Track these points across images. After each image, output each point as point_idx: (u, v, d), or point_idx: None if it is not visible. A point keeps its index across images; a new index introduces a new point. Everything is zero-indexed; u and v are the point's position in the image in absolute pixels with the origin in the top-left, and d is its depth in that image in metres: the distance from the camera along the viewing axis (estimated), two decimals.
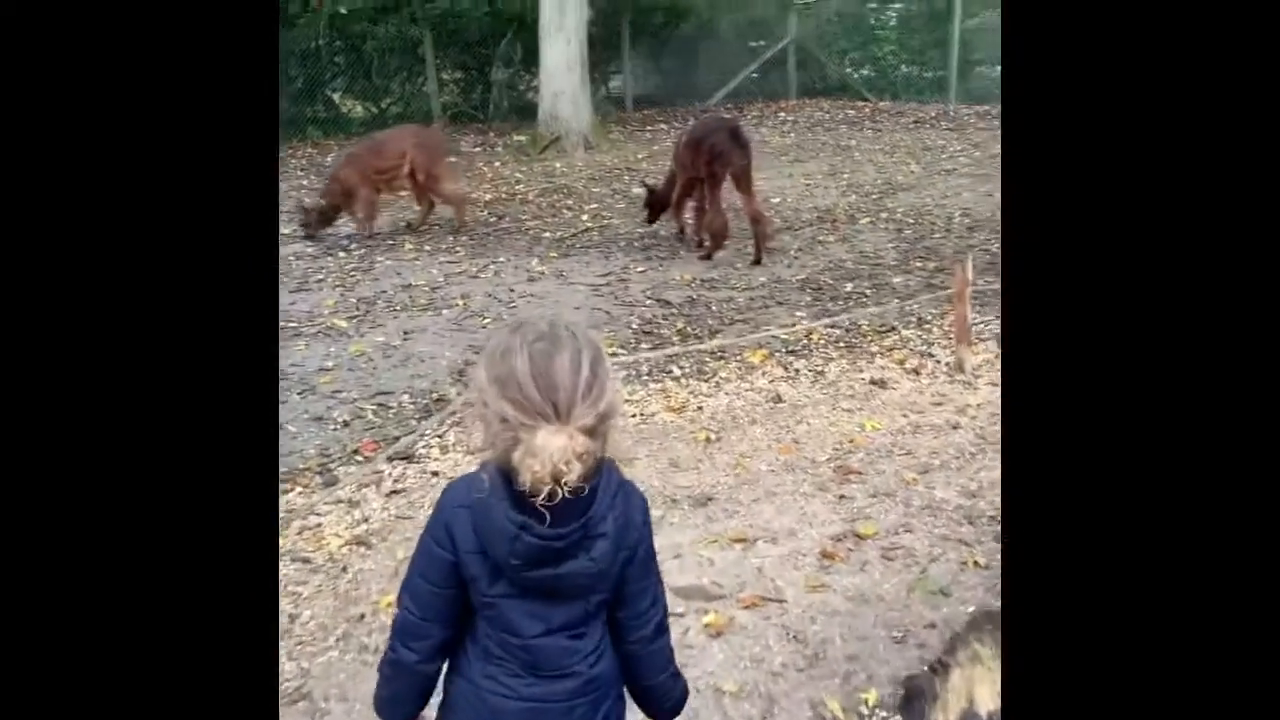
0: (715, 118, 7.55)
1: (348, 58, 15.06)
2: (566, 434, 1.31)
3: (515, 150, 12.01)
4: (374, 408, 4.51)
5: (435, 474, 3.79)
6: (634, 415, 4.24)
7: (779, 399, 4.27)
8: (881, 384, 4.38)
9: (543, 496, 1.32)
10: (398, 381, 4.83)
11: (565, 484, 1.31)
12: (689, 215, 7.39)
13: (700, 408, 4.27)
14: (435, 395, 4.63)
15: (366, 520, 3.47)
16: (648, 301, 5.99)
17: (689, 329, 5.42)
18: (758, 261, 6.71)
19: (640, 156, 11.42)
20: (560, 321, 1.44)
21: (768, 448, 3.81)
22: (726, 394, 4.42)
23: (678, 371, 4.78)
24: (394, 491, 3.67)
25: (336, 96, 15.51)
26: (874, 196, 8.52)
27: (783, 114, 15.16)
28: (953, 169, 9.46)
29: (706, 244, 7.13)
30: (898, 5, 18.87)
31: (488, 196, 9.48)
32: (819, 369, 4.64)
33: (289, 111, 14.46)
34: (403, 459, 3.99)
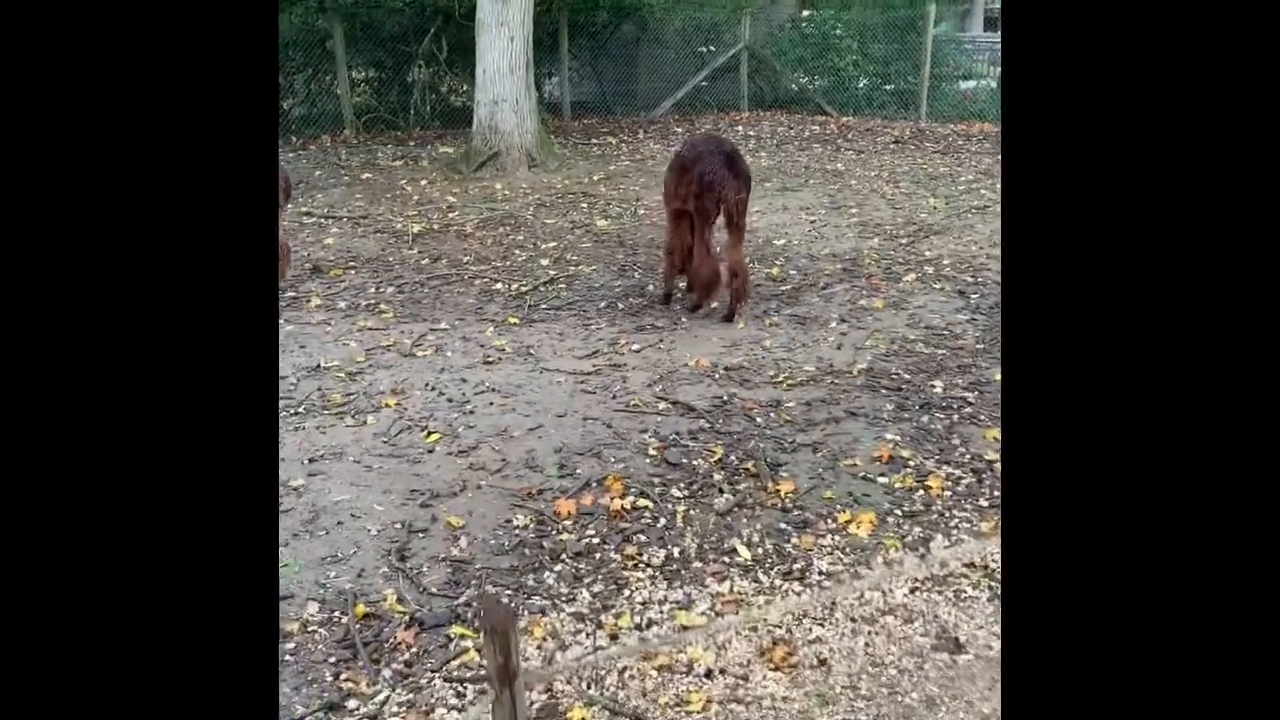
0: (707, 138, 5.89)
1: None
2: None
3: (444, 166, 10.14)
4: None
5: None
6: (706, 673, 2.50)
7: (955, 643, 2.57)
8: None
9: None
10: (304, 571, 3.00)
11: None
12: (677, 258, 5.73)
13: (821, 659, 2.54)
14: (363, 608, 2.82)
15: None
16: (661, 405, 4.26)
17: (735, 459, 3.71)
18: (729, 319, 5.38)
19: (595, 178, 9.67)
20: None
21: None
22: (850, 618, 2.71)
23: (745, 554, 3.06)
24: None
25: None
26: (903, 241, 6.93)
27: (739, 127, 13.58)
28: (984, 206, 7.93)
29: (695, 295, 5.56)
30: (855, 13, 17.52)
31: (416, 228, 7.61)
32: (979, 561, 2.97)
33: None
34: None
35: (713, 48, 15.98)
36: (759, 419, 4.08)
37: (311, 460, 3.76)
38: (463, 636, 2.68)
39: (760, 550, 3.09)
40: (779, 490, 3.45)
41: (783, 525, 3.24)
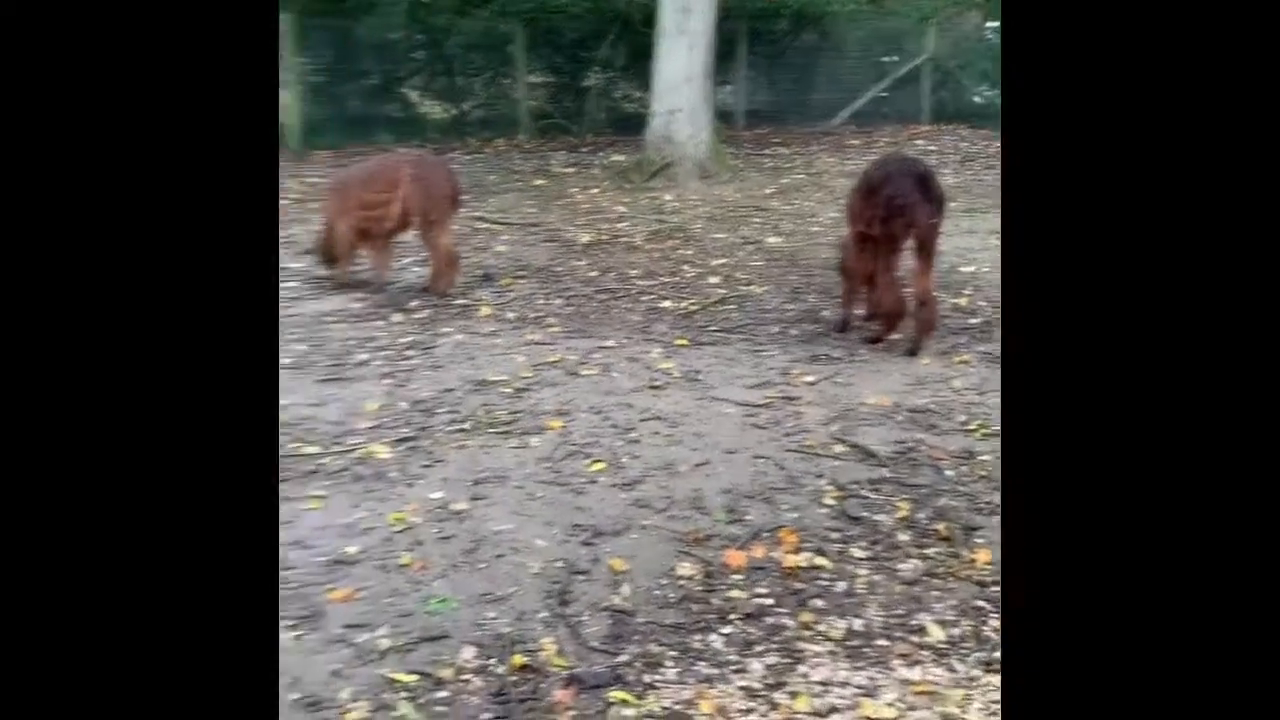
0: (898, 158, 5.55)
1: (429, 52, 13.26)
2: None
3: (615, 175, 10.06)
4: (413, 679, 2.55)
5: None
6: None
7: None
8: None
9: None
10: (462, 609, 2.87)
11: None
12: (861, 285, 5.38)
13: None
14: (521, 658, 2.65)
15: None
16: (837, 447, 3.95)
17: (924, 519, 3.38)
18: (913, 353, 5.00)
19: (767, 191, 9.39)
20: None
21: None
22: None
23: (937, 634, 2.74)
24: None
25: (414, 95, 13.75)
26: None
27: (919, 142, 13.00)
28: None
29: (876, 325, 5.23)
30: None
31: (585, 238, 7.52)
32: None
33: (359, 110, 12.76)
34: None
35: (895, 57, 15.41)
36: (949, 472, 3.72)
37: (475, 482, 3.65)
38: (624, 703, 2.48)
39: (955, 631, 2.76)
40: (974, 560, 3.10)
41: (979, 602, 2.89)
